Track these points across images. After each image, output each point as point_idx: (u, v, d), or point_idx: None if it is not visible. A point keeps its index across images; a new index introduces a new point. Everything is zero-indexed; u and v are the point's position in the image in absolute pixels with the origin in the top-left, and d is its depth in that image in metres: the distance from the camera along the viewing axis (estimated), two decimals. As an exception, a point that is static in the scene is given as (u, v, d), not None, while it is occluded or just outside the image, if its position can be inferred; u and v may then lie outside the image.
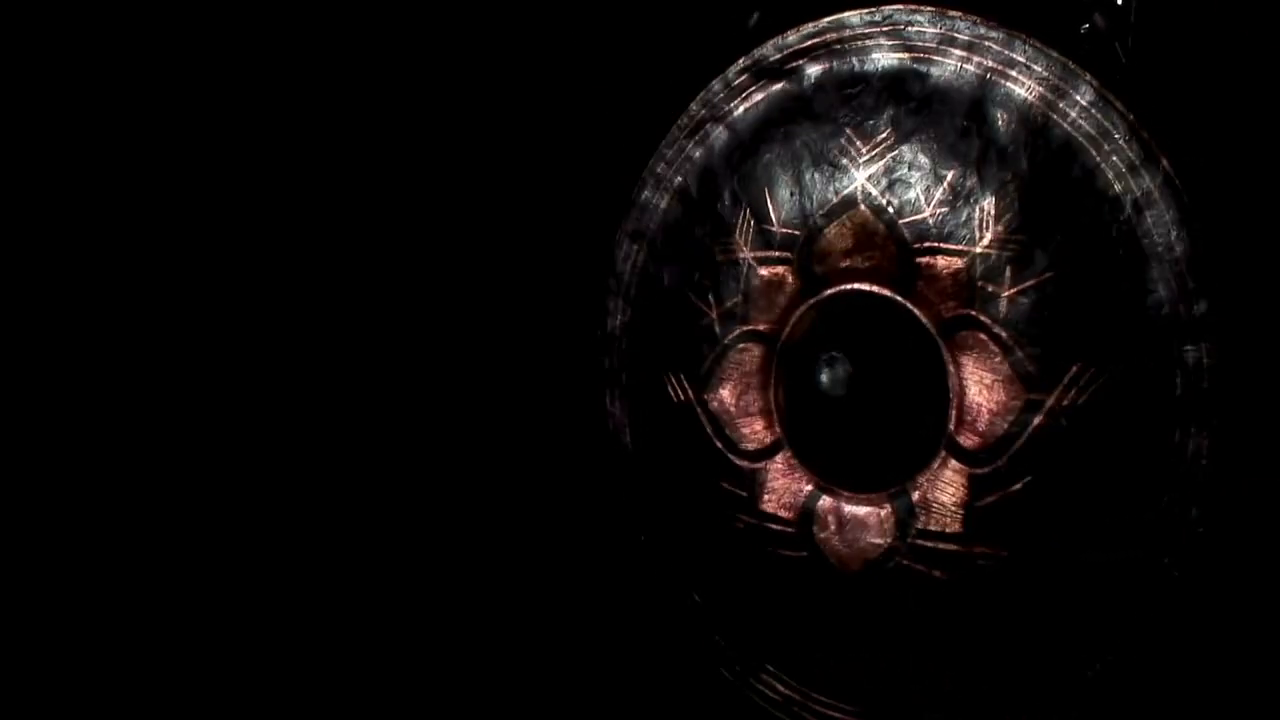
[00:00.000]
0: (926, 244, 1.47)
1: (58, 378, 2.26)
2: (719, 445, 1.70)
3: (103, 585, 2.24)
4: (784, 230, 1.62)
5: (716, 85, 1.78)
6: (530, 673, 2.12)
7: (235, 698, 2.10)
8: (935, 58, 1.51)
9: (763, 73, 1.71)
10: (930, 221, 1.47)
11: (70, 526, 2.26)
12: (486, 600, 2.29)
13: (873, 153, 1.55)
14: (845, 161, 1.57)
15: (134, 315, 2.31)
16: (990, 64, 1.46)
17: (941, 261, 1.46)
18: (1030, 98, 1.42)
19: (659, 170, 1.84)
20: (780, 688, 1.69)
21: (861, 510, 1.55)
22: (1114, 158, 1.36)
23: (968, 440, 1.43)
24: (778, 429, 1.65)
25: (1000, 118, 1.45)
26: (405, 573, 2.34)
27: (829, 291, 1.57)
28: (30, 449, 2.24)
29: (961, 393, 1.44)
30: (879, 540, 1.52)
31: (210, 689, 2.12)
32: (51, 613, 2.19)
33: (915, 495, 1.49)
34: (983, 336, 1.42)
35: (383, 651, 2.21)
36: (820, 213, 1.58)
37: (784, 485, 1.64)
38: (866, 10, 1.59)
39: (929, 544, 1.47)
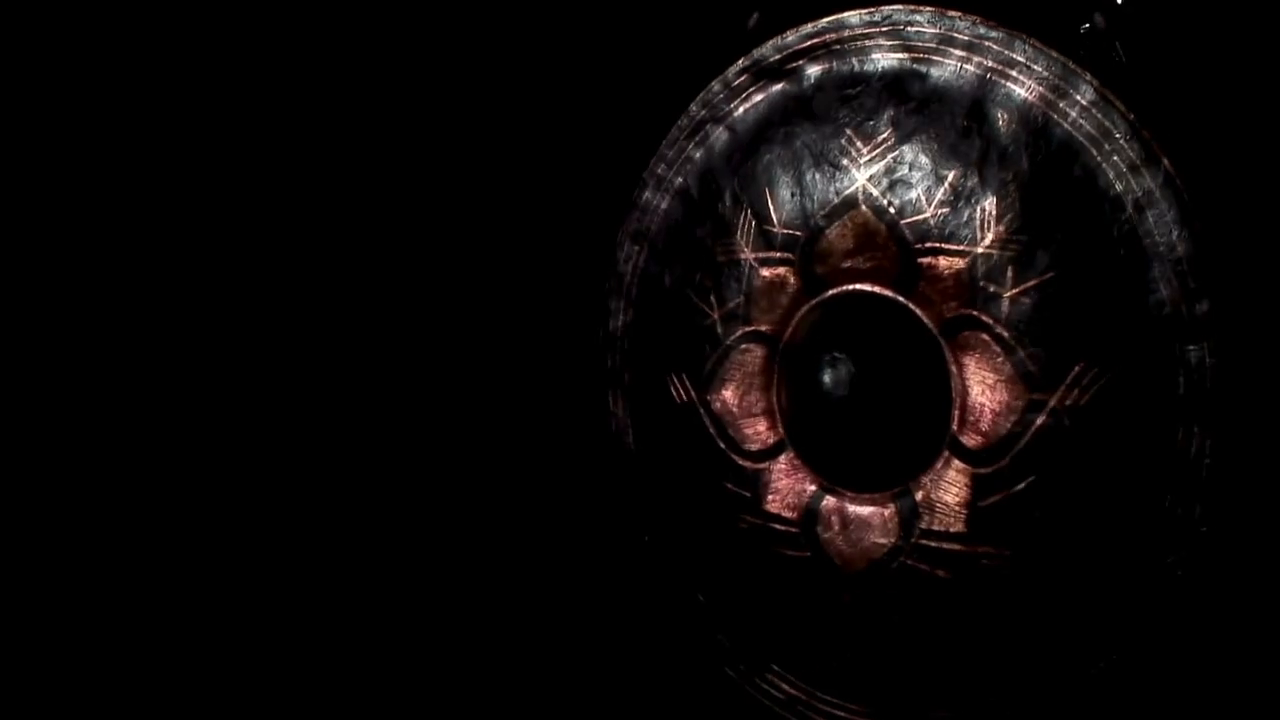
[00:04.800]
0: (928, 244, 1.47)
1: (57, 378, 2.26)
2: (722, 446, 1.70)
3: (103, 585, 2.24)
4: (785, 231, 1.63)
5: (716, 86, 1.78)
6: (533, 673, 2.13)
7: (235, 698, 2.11)
8: (935, 58, 1.51)
9: (763, 73, 1.71)
10: (931, 222, 1.47)
11: (70, 526, 2.25)
12: (489, 601, 2.29)
13: (873, 153, 1.55)
14: (846, 162, 1.57)
15: (134, 315, 2.31)
16: (990, 64, 1.46)
17: (943, 262, 1.46)
18: (1030, 98, 1.43)
19: (660, 171, 1.84)
20: (786, 687, 1.69)
21: (865, 510, 1.55)
22: (1115, 157, 1.36)
23: (970, 440, 1.44)
24: (780, 429, 1.65)
25: (1000, 118, 1.45)
26: (406, 573, 2.35)
27: (831, 292, 1.58)
28: (30, 449, 2.23)
29: (964, 393, 1.44)
30: (883, 540, 1.52)
31: (210, 689, 2.12)
32: (51, 613, 2.20)
33: (919, 495, 1.49)
34: (985, 337, 1.42)
35: (383, 651, 2.22)
36: (821, 213, 1.59)
37: (787, 485, 1.64)
38: (866, 10, 1.59)
39: (933, 544, 1.47)
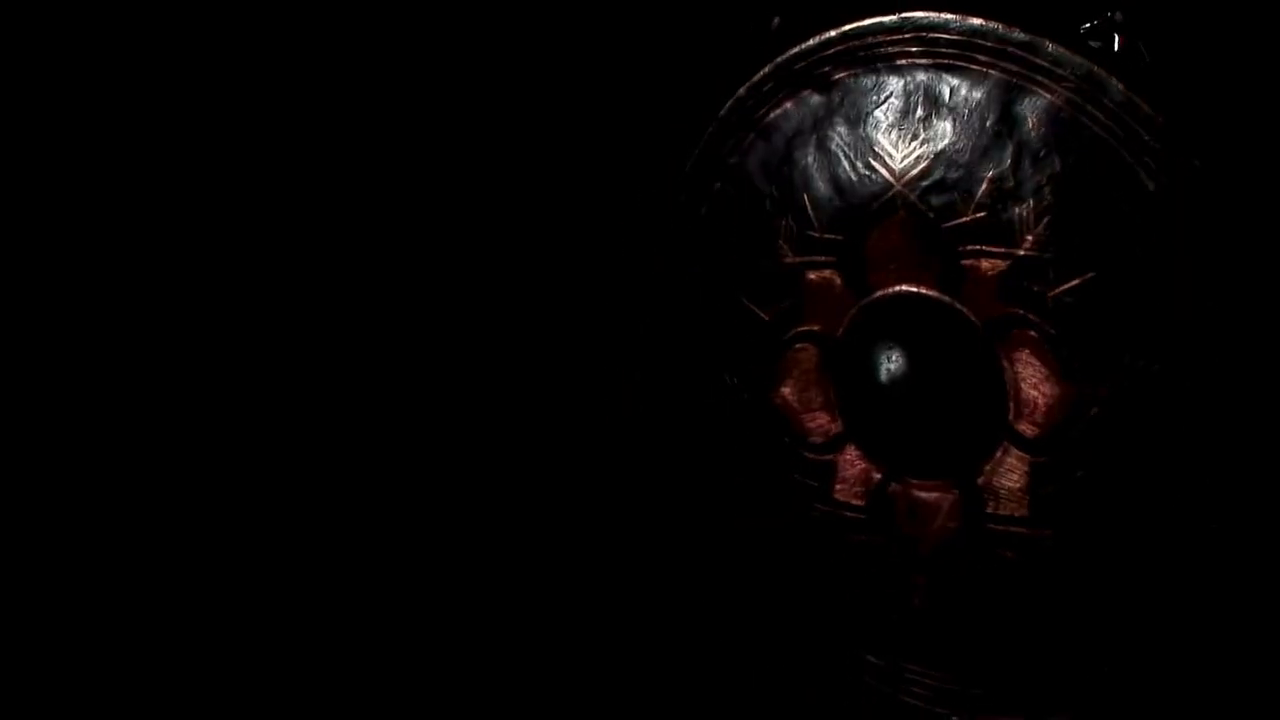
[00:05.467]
0: (969, 246, 1.54)
1: (57, 378, 2.26)
2: (786, 440, 1.81)
3: (102, 585, 2.24)
4: (826, 235, 1.69)
5: (744, 91, 1.82)
6: (561, 673, 2.20)
7: (235, 697, 2.17)
8: (961, 63, 1.56)
9: (790, 79, 1.75)
10: (971, 224, 1.54)
11: (69, 526, 2.24)
12: (500, 601, 2.33)
13: (907, 158, 1.60)
14: (880, 167, 1.63)
15: (146, 315, 2.30)
16: (1016, 68, 1.51)
17: (985, 264, 1.53)
18: (1058, 101, 1.47)
19: (695, 176, 1.90)
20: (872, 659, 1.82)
21: (931, 495, 1.65)
22: (1145, 157, 1.42)
23: (1027, 430, 1.53)
24: (841, 423, 1.75)
25: (1030, 121, 1.50)
26: (412, 573, 2.37)
27: (878, 293, 1.65)
28: (30, 449, 2.23)
29: (1017, 387, 1.52)
30: (950, 524, 1.63)
31: (210, 689, 2.17)
32: (51, 613, 2.20)
33: (980, 481, 1.59)
34: (1033, 334, 1.49)
35: (410, 651, 2.26)
36: (860, 217, 1.65)
37: (853, 475, 1.74)
38: (890, 16, 1.63)
39: (999, 527, 1.58)
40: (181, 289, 2.33)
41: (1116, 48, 1.45)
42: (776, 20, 1.81)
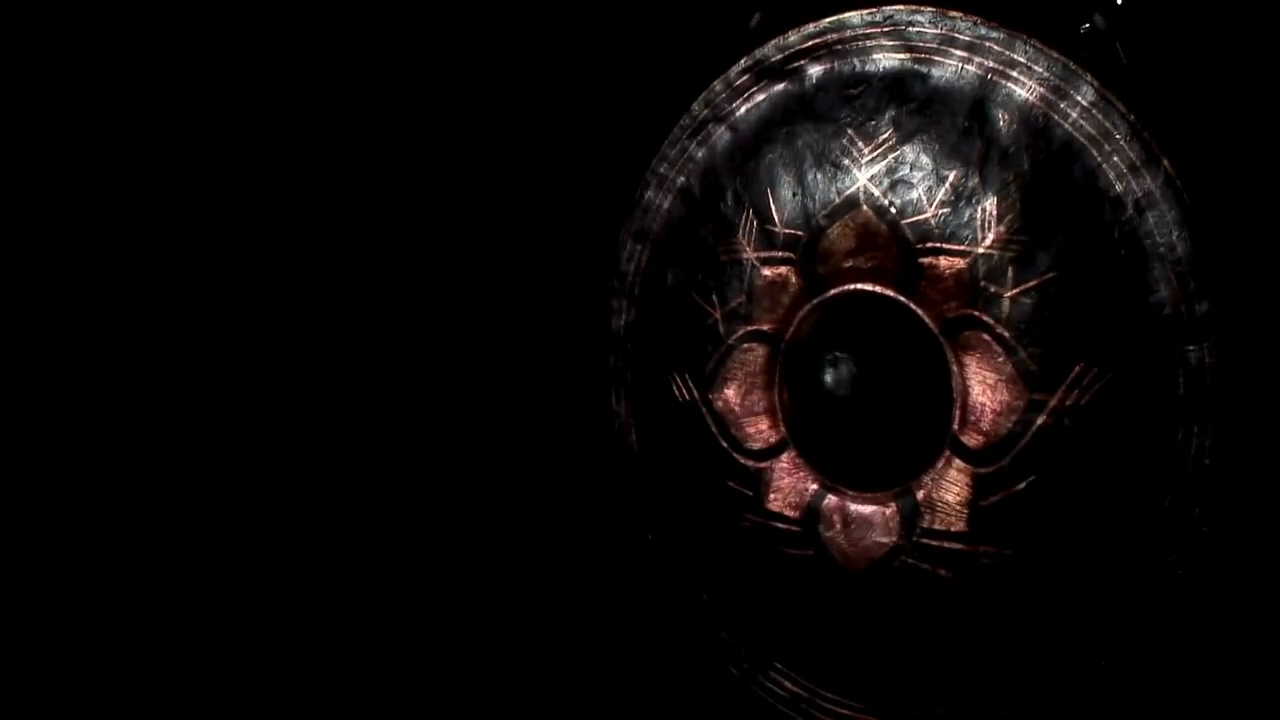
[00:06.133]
0: (929, 244, 1.48)
1: (57, 378, 2.27)
2: (724, 444, 1.71)
3: (103, 585, 2.25)
4: (787, 231, 1.63)
5: (719, 85, 1.78)
6: (535, 672, 2.13)
7: (235, 697, 2.12)
8: (936, 58, 1.52)
9: (764, 73, 1.71)
10: (932, 222, 1.48)
11: (70, 526, 2.26)
12: (491, 599, 2.30)
13: (875, 153, 1.55)
14: (847, 162, 1.58)
15: (140, 316, 2.32)
16: (991, 64, 1.46)
17: (944, 262, 1.46)
18: (1031, 98, 1.43)
19: (662, 170, 1.84)
20: (788, 684, 1.70)
21: (867, 509, 1.56)
22: (1115, 158, 1.37)
23: (971, 440, 1.44)
24: (782, 428, 1.66)
25: (1001, 118, 1.45)
26: (406, 573, 2.35)
27: (832, 292, 1.58)
28: (30, 449, 2.24)
29: (965, 392, 1.45)
30: (884, 539, 1.53)
31: (210, 689, 2.13)
32: (51, 613, 2.20)
33: (920, 494, 1.50)
34: (986, 336, 1.43)
35: (383, 651, 2.22)
36: (823, 213, 1.59)
37: (789, 484, 1.65)
38: (867, 10, 1.59)
39: (934, 543, 1.48)
40: (173, 289, 2.33)
41: (1095, 48, 1.40)
42: (757, 17, 1.78)
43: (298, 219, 2.37)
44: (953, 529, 1.46)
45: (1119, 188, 1.36)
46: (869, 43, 1.59)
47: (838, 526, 1.58)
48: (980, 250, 1.43)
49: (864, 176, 1.55)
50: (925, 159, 1.50)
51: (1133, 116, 1.35)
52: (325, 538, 2.37)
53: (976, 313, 1.43)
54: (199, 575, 2.29)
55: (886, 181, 1.53)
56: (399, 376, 2.43)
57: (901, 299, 1.50)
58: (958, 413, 1.45)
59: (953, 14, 1.50)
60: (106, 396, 2.29)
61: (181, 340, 2.34)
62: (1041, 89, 1.42)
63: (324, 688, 2.15)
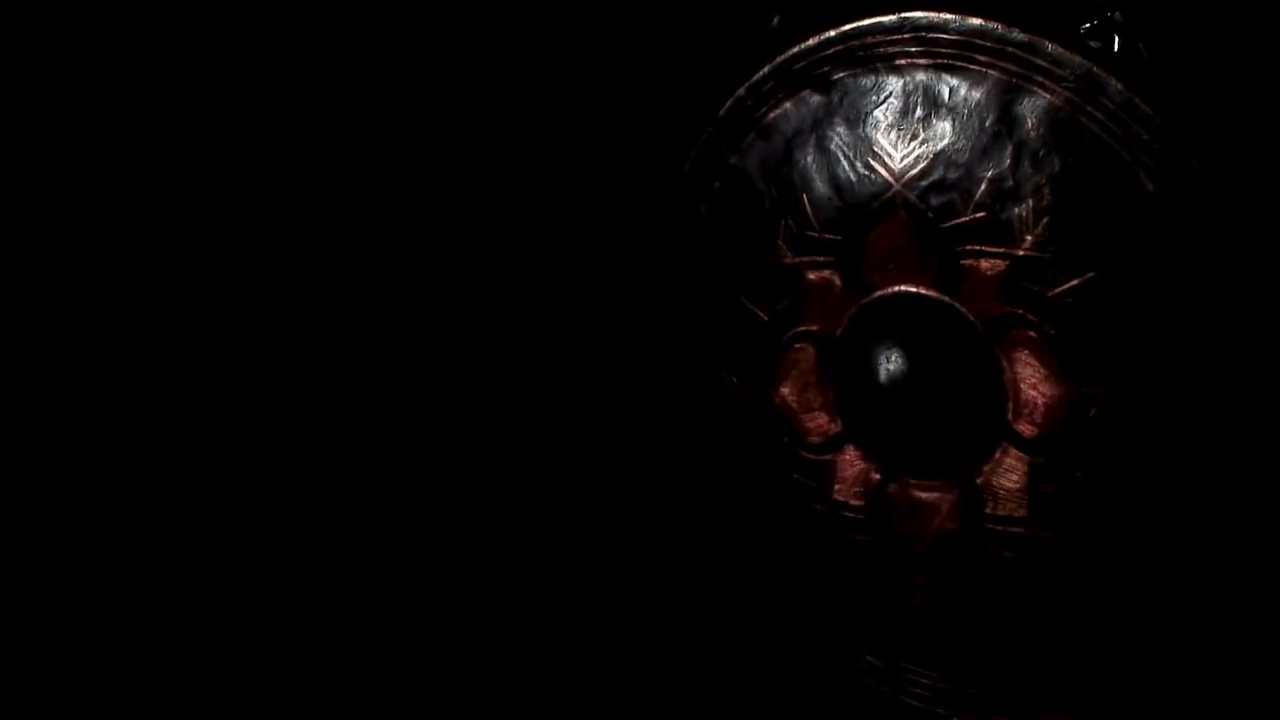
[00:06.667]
0: (968, 246, 1.54)
1: (57, 378, 2.25)
2: (785, 440, 1.81)
3: (102, 585, 2.23)
4: (826, 235, 1.70)
5: (743, 91, 1.83)
6: (551, 674, 2.20)
7: (235, 698, 2.17)
8: (960, 63, 1.56)
9: (789, 78, 1.75)
10: (970, 224, 1.54)
11: (69, 526, 2.23)
12: (508, 599, 2.34)
13: (907, 158, 1.61)
14: (879, 167, 1.63)
15: (135, 315, 2.28)
16: (1016, 68, 1.51)
17: (985, 264, 1.53)
18: (1058, 101, 1.48)
19: (694, 175, 1.90)
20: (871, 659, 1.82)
21: (929, 496, 1.65)
22: (1144, 156, 1.42)
23: (1026, 430, 1.53)
24: (840, 423, 1.75)
25: (1029, 121, 1.50)
26: (412, 574, 2.37)
27: (878, 293, 1.65)
28: (30, 449, 2.21)
29: (1016, 387, 1.52)
30: (949, 524, 1.63)
31: (210, 689, 2.17)
32: (51, 613, 2.19)
33: (979, 481, 1.59)
34: (1032, 334, 1.50)
35: (397, 652, 2.26)
36: (860, 216, 1.65)
37: (852, 475, 1.74)
38: (890, 16, 1.63)
39: (997, 527, 1.58)
40: (170, 289, 2.31)
41: (1116, 48, 1.44)
42: (776, 20, 1.82)
43: (306, 223, 2.37)
44: (1014, 514, 1.55)
45: (1149, 186, 1.42)
46: (892, 49, 1.63)
47: (902, 513, 1.68)
48: (1020, 252, 1.50)
49: (898, 180, 1.61)
50: (958, 162, 1.56)
51: (1159, 116, 1.40)
52: (321, 538, 2.36)
53: (1021, 311, 1.50)
54: (192, 573, 2.28)
55: (921, 185, 1.59)
56: (435, 379, 2.44)
57: (947, 299, 1.58)
58: (1011, 405, 1.54)
59: (975, 19, 1.54)
60: (106, 396, 2.27)
61: (180, 338, 2.32)
62: (1067, 91, 1.47)
63: (321, 688, 2.19)
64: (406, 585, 2.38)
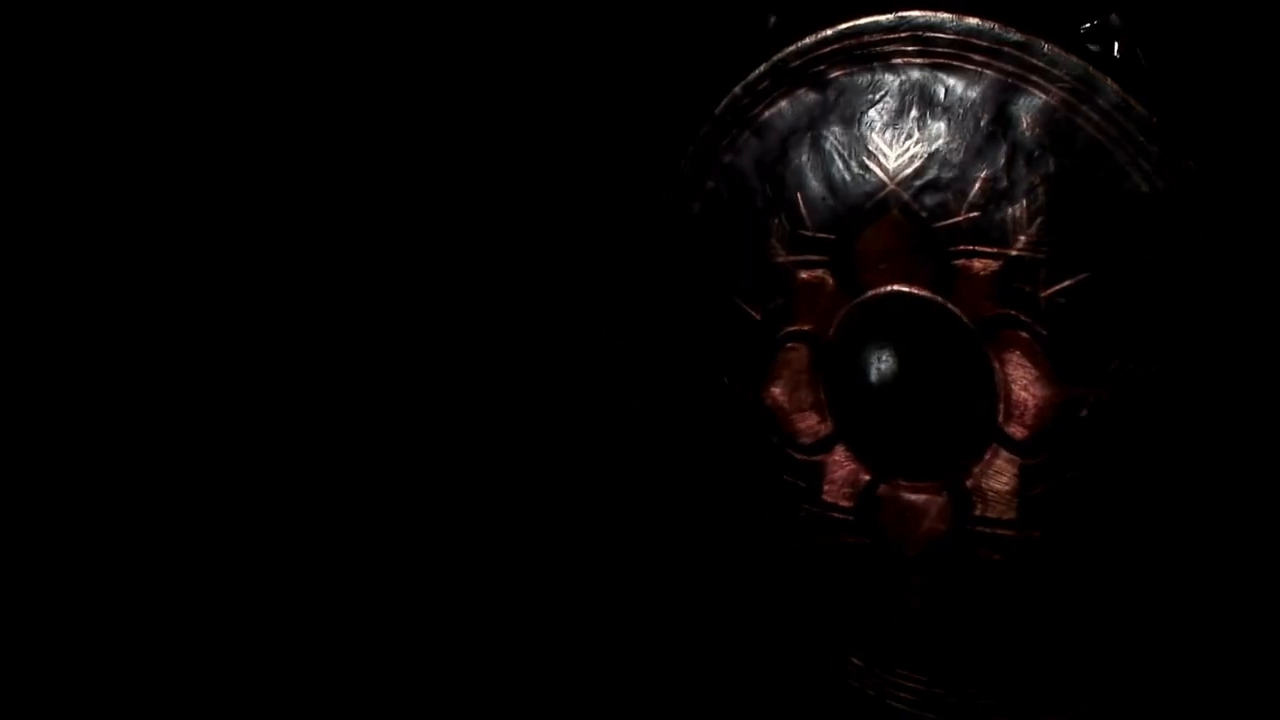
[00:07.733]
0: (961, 246, 1.54)
1: (56, 378, 2.25)
2: (775, 441, 1.80)
3: (103, 585, 2.24)
4: (819, 234, 1.69)
5: (739, 90, 1.82)
6: (551, 675, 2.20)
7: (235, 698, 2.17)
8: (956, 63, 1.56)
9: (785, 77, 1.75)
10: (964, 224, 1.53)
11: (69, 526, 2.24)
12: (504, 596, 2.34)
13: (901, 157, 1.60)
14: (874, 166, 1.63)
15: (137, 316, 2.29)
16: (1011, 69, 1.50)
17: (978, 264, 1.52)
18: (1053, 102, 1.47)
19: (687, 174, 1.89)
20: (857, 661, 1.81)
21: (919, 498, 1.64)
22: (1139, 158, 1.42)
23: (1016, 432, 1.52)
24: (831, 423, 1.74)
25: (1024, 121, 1.49)
26: (413, 574, 2.37)
27: (870, 293, 1.64)
28: (30, 450, 2.22)
29: (1007, 388, 1.52)
30: (939, 525, 1.62)
31: (210, 689, 2.17)
32: (51, 613, 2.19)
33: (969, 483, 1.58)
34: (1024, 335, 1.49)
35: (411, 652, 2.27)
36: (854, 216, 1.64)
37: (842, 476, 1.73)
38: (886, 16, 1.62)
39: (986, 530, 1.57)
40: (171, 288, 2.32)
41: (1116, 51, 1.44)
42: (773, 19, 1.81)
43: (302, 222, 2.37)
44: (1004, 517, 1.54)
45: (1144, 188, 1.41)
46: (888, 48, 1.63)
47: (892, 515, 1.67)
48: (1013, 252, 1.49)
49: (892, 180, 1.60)
50: (952, 162, 1.55)
51: (1155, 118, 1.40)
52: (322, 538, 2.36)
53: (1013, 312, 1.50)
54: (191, 573, 2.28)
55: (915, 185, 1.58)
56: (428, 380, 2.44)
57: (939, 299, 1.57)
58: (1001, 407, 1.53)
59: (971, 18, 1.53)
60: (106, 396, 2.27)
61: (179, 337, 2.32)
62: (1063, 92, 1.46)
63: (321, 688, 2.20)
64: (406, 585, 2.37)
